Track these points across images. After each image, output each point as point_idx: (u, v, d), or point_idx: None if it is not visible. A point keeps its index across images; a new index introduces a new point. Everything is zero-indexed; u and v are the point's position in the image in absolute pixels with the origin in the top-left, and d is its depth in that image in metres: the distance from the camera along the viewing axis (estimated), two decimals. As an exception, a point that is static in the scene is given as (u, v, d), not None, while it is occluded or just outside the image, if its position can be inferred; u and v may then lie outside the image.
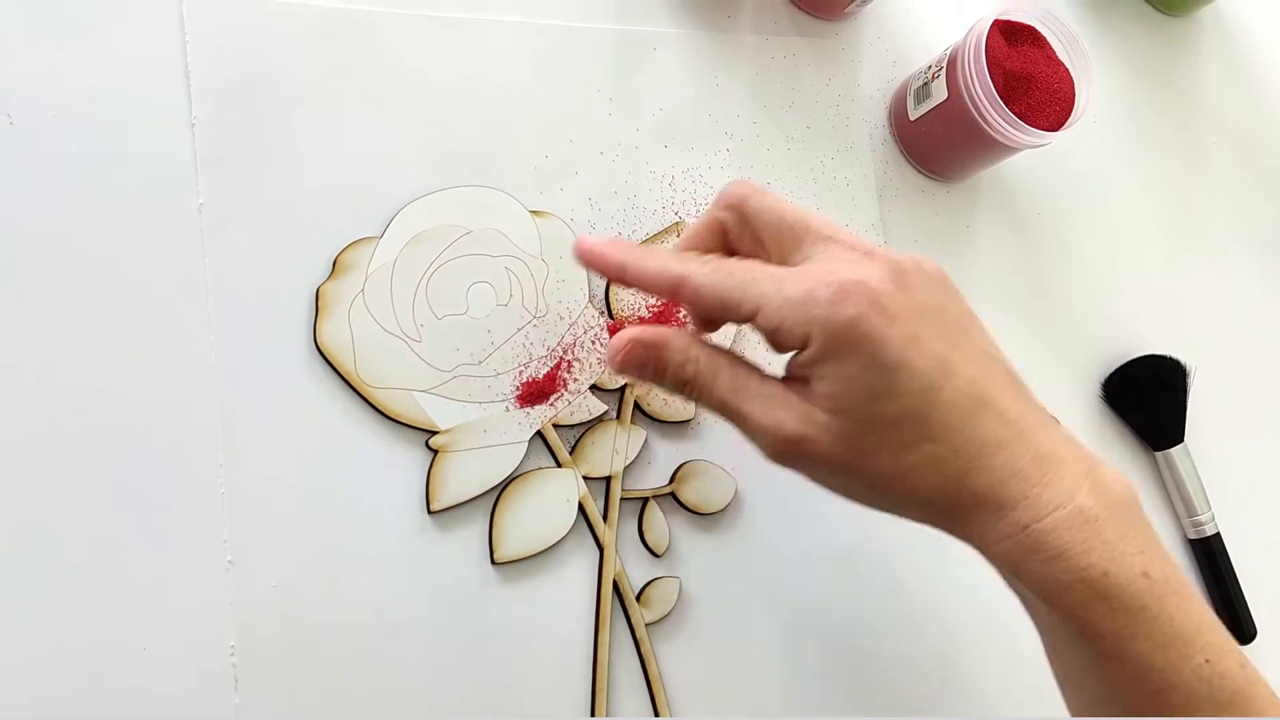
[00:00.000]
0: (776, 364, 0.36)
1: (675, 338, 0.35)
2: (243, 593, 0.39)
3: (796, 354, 0.33)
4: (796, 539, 0.49)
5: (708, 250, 0.37)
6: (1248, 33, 0.72)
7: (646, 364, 0.36)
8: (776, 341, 0.33)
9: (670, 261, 0.35)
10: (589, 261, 0.37)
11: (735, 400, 0.34)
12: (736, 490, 0.48)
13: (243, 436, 0.41)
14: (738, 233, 0.37)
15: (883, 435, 0.32)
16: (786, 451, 0.33)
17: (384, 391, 0.43)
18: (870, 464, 0.32)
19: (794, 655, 0.47)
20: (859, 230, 0.55)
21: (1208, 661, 0.32)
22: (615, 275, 0.36)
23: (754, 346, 0.50)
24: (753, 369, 0.35)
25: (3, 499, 0.37)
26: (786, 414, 0.33)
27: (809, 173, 0.54)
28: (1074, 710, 0.36)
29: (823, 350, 0.31)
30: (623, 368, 0.36)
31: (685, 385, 0.35)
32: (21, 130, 0.40)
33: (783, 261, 0.35)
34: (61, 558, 0.38)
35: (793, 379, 0.34)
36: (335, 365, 0.42)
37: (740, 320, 0.34)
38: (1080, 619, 0.32)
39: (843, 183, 0.55)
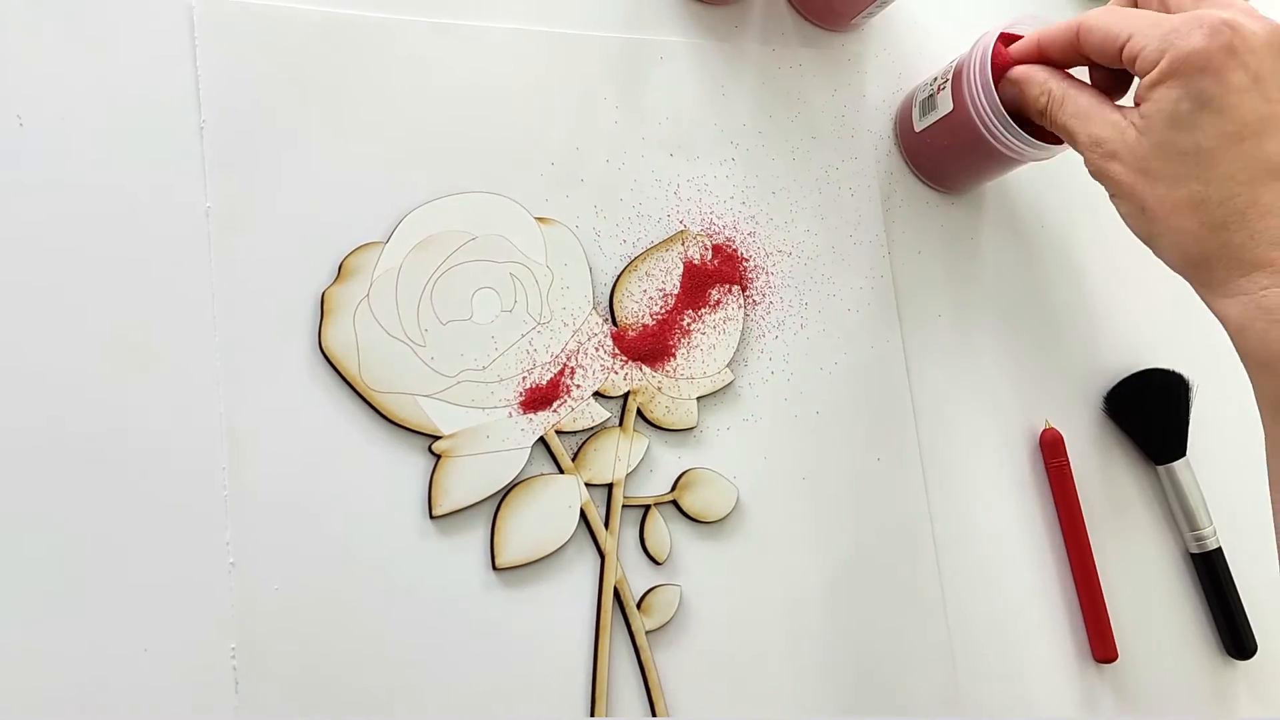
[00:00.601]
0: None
1: (1035, 72, 0.44)
2: (244, 595, 0.40)
3: (1142, 79, 0.37)
4: (797, 547, 0.49)
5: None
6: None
7: (1020, 85, 0.45)
8: (1138, 68, 0.37)
9: (1069, 21, 0.42)
10: (1018, 62, 0.45)
11: (1073, 121, 0.41)
12: (738, 499, 0.48)
13: (246, 440, 0.41)
14: None
15: (1170, 165, 0.35)
16: (1098, 165, 0.39)
17: (388, 396, 0.43)
18: (1148, 190, 0.36)
19: (794, 665, 0.47)
20: (863, 242, 0.55)
21: None
22: (1033, 55, 0.44)
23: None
24: (1097, 94, 0.41)
25: (6, 500, 0.38)
26: (1107, 131, 0.38)
27: (814, 183, 0.54)
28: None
29: (1163, 72, 0.35)
30: (1009, 88, 0.46)
31: (1040, 111, 0.43)
32: (31, 131, 0.41)
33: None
34: (64, 558, 0.38)
35: (1134, 105, 0.38)
36: (339, 369, 0.43)
37: (1116, 50, 0.38)
38: None
39: (847, 193, 0.55)
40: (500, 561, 0.43)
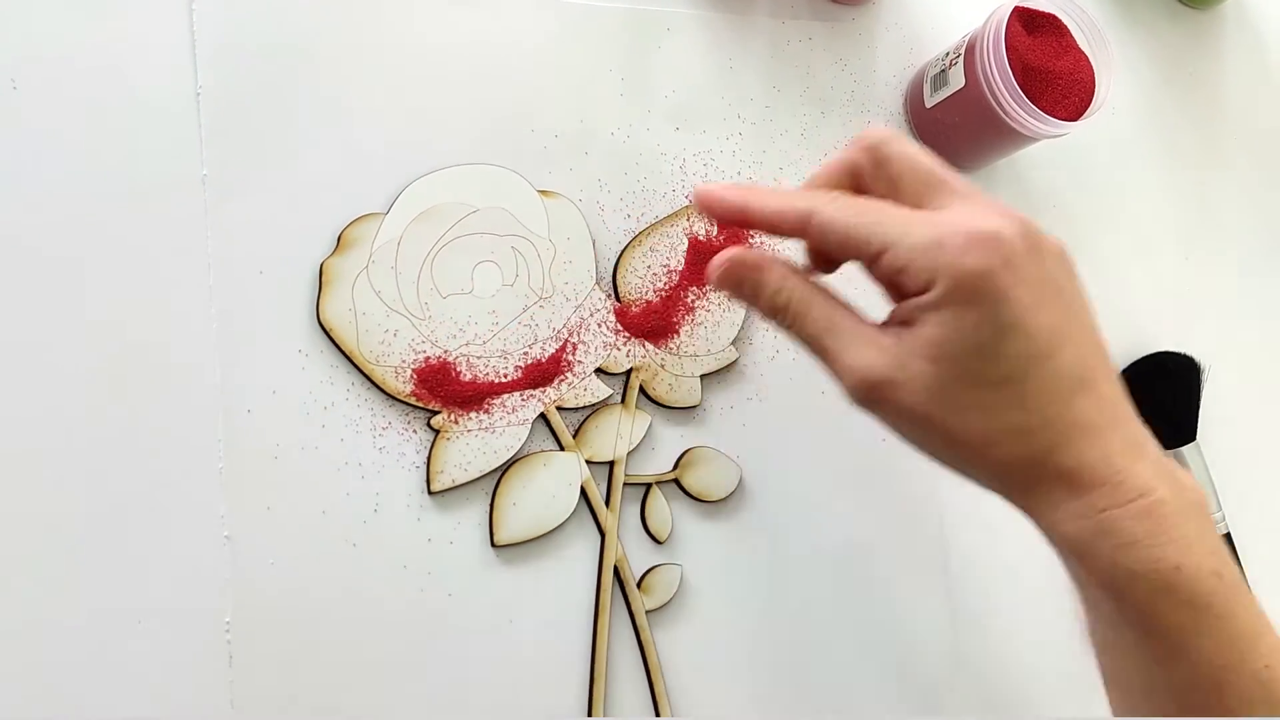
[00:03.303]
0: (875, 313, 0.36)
1: (775, 264, 0.36)
2: (239, 569, 0.39)
3: (909, 299, 0.32)
4: (800, 529, 0.48)
5: (836, 190, 0.36)
6: (1271, 27, 0.71)
7: (744, 284, 0.36)
8: (897, 284, 0.32)
9: (794, 198, 0.34)
10: (707, 206, 0.36)
11: (826, 336, 0.34)
12: (740, 478, 0.47)
13: (242, 412, 0.40)
14: (872, 175, 0.35)
15: (979, 395, 0.32)
16: (869, 395, 0.33)
17: (386, 369, 0.42)
18: (956, 422, 0.32)
19: (795, 646, 0.47)
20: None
21: (1267, 666, 0.31)
22: (737, 218, 0.36)
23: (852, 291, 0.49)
24: (848, 308, 0.35)
25: (0, 472, 0.37)
26: (878, 357, 0.33)
27: (822, 159, 0.53)
28: (1117, 708, 0.36)
29: (944, 296, 0.31)
30: (720, 283, 0.37)
31: (778, 313, 0.36)
32: (25, 95, 0.40)
33: (916, 209, 0.34)
34: (59, 530, 0.37)
35: (893, 324, 0.33)
36: (337, 341, 0.42)
37: (865, 258, 0.33)
38: (1145, 611, 0.31)
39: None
40: (499, 539, 0.43)
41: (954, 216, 0.32)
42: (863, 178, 0.36)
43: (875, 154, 0.35)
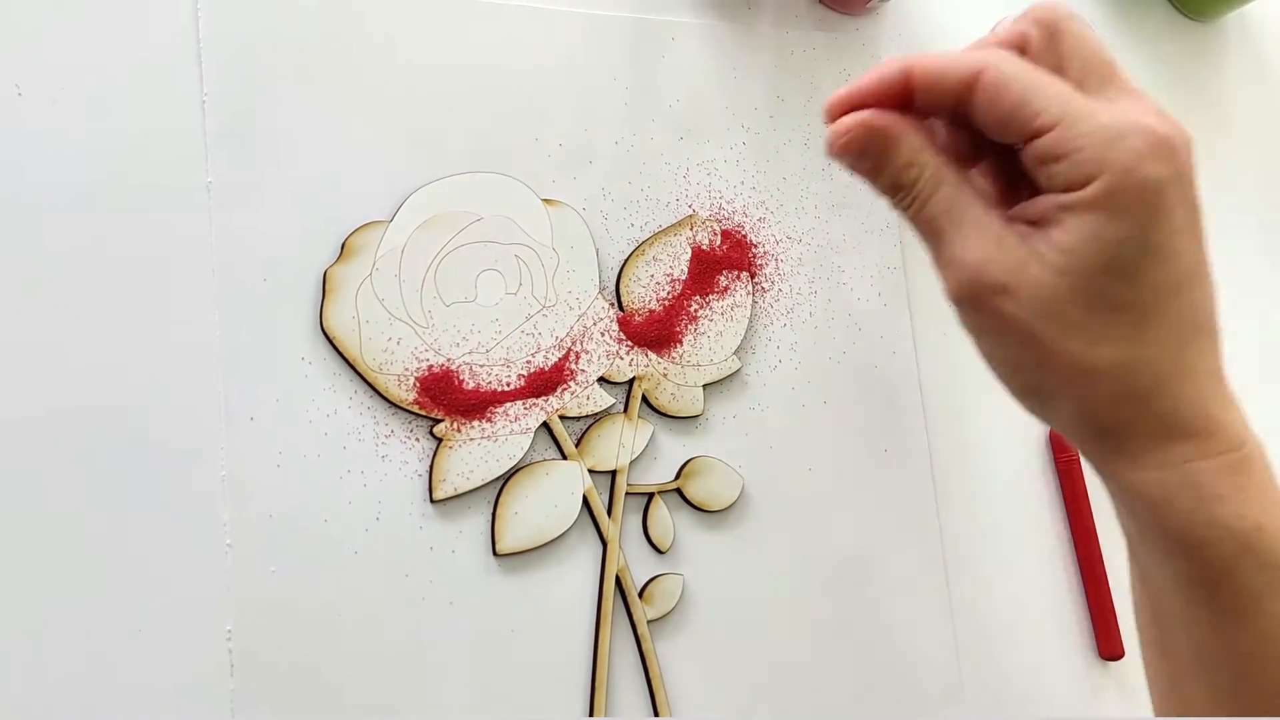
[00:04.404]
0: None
1: (910, 132, 0.30)
2: (241, 577, 0.39)
3: (1053, 195, 0.29)
4: (801, 538, 0.48)
5: None
6: (1273, 40, 0.71)
7: (869, 153, 0.31)
8: (1053, 171, 0.28)
9: (962, 55, 0.30)
10: (850, 99, 0.31)
11: (945, 219, 0.30)
12: (743, 488, 0.47)
13: (245, 419, 0.40)
14: (1041, 53, 0.31)
15: (1099, 318, 0.28)
16: (974, 294, 0.30)
17: (389, 377, 0.42)
18: (1058, 342, 0.29)
19: (796, 656, 0.47)
20: (875, 230, 0.54)
21: None
22: (899, 82, 0.30)
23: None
24: (980, 196, 0.30)
25: (2, 481, 0.37)
26: (996, 253, 0.29)
27: (825, 169, 0.54)
28: (1157, 685, 0.34)
29: (1103, 195, 0.27)
30: (843, 150, 0.31)
31: (901, 190, 0.31)
32: (30, 102, 0.40)
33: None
34: (60, 537, 0.37)
35: (1025, 221, 0.30)
36: (341, 349, 0.42)
37: (1025, 134, 0.29)
38: (1222, 570, 0.29)
39: (858, 180, 0.54)
40: (501, 548, 0.43)
41: (1133, 113, 0.28)
42: (1033, 54, 0.31)
43: (1049, 28, 0.31)
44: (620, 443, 0.46)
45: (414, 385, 0.43)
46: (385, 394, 0.42)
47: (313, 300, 0.42)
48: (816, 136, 0.54)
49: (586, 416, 0.45)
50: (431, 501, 0.42)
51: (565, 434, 0.45)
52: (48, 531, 0.37)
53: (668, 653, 0.44)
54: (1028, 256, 0.29)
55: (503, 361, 0.44)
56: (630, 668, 0.44)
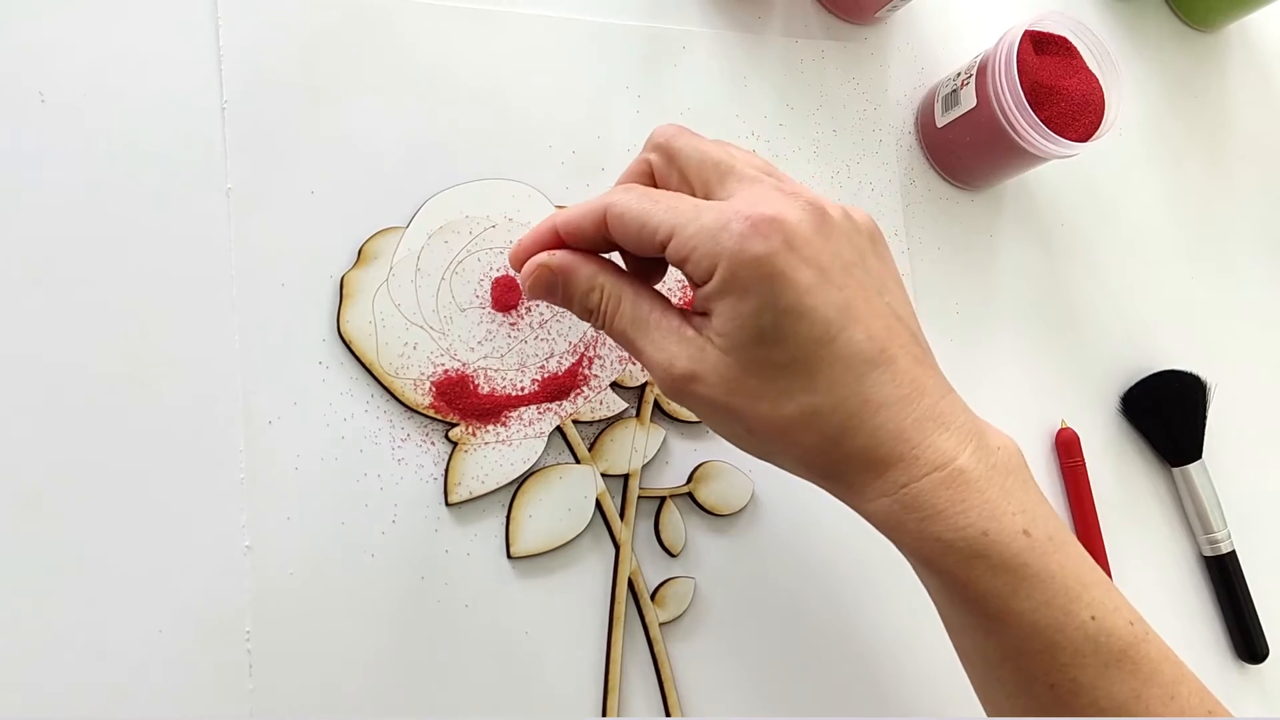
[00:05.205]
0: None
1: (582, 264, 0.35)
2: (260, 578, 0.39)
3: (699, 288, 0.32)
4: (813, 542, 0.48)
5: None
6: (1275, 49, 0.72)
7: (555, 288, 0.36)
8: (688, 273, 0.32)
9: (593, 200, 0.35)
10: (523, 252, 0.37)
11: (634, 332, 0.34)
12: (754, 492, 0.48)
13: (263, 422, 0.41)
14: (665, 173, 0.36)
15: (766, 381, 0.31)
16: (675, 388, 0.33)
17: (406, 381, 0.43)
18: (751, 410, 0.32)
19: (809, 659, 0.47)
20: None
21: (1093, 618, 0.31)
22: (552, 240, 0.36)
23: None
24: (658, 299, 0.34)
25: (23, 480, 0.37)
26: (679, 349, 0.33)
27: (833, 176, 0.54)
28: (976, 684, 0.36)
29: (725, 283, 0.31)
30: (531, 291, 0.36)
31: (591, 312, 0.36)
32: (53, 108, 0.40)
33: (708, 199, 0.34)
34: (80, 539, 0.38)
35: (699, 314, 0.33)
36: (357, 354, 0.42)
37: (655, 248, 0.33)
38: (960, 580, 0.31)
39: (868, 187, 0.55)
40: (515, 550, 0.43)
41: (737, 202, 0.32)
42: (658, 176, 0.36)
43: (664, 150, 0.35)
44: (633, 447, 0.46)
45: (430, 389, 0.43)
46: (401, 398, 0.43)
47: (330, 305, 0.43)
48: (826, 144, 0.54)
49: (599, 421, 0.46)
50: (447, 505, 0.43)
51: (579, 438, 0.45)
52: (68, 533, 0.38)
53: (679, 654, 0.45)
54: (704, 344, 0.32)
55: (517, 366, 0.45)
56: (642, 669, 0.44)
